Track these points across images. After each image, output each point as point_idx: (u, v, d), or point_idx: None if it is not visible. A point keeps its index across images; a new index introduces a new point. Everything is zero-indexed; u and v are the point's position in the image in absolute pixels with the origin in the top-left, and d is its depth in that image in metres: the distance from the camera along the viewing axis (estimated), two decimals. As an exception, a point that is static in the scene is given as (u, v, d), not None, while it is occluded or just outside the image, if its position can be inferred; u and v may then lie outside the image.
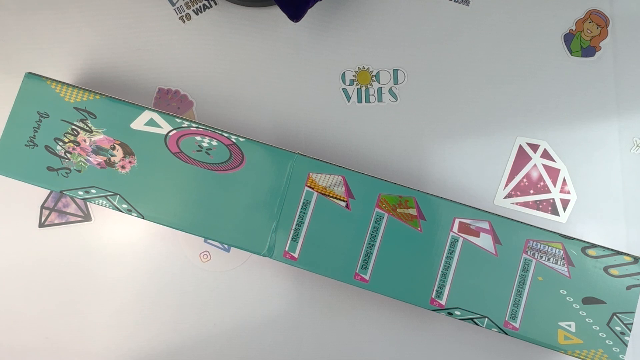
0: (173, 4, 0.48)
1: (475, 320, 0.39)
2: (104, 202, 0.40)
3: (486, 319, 0.39)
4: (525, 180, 0.47)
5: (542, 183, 0.47)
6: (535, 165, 0.47)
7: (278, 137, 0.47)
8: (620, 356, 0.39)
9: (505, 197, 0.47)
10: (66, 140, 0.41)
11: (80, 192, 0.40)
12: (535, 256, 0.39)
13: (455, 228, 0.40)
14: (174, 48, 0.47)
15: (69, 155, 0.40)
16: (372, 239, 0.40)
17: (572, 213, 0.47)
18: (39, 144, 0.41)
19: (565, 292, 0.39)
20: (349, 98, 0.48)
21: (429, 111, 0.47)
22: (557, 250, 0.39)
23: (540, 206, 0.47)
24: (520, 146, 0.47)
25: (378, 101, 0.48)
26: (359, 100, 0.48)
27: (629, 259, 0.39)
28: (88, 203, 0.47)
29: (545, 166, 0.47)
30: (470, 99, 0.48)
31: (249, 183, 0.40)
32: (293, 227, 0.40)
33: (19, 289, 0.46)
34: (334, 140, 0.47)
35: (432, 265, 0.39)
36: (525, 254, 0.39)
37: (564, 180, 0.47)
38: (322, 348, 0.46)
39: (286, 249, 0.40)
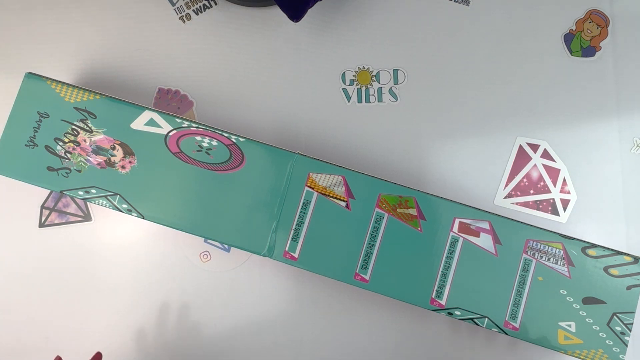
0: (173, 4, 0.48)
1: (475, 320, 0.39)
2: (104, 202, 0.40)
3: (486, 319, 0.39)
4: (525, 180, 0.47)
5: (542, 183, 0.47)
6: (535, 165, 0.47)
7: (278, 137, 0.47)
8: (620, 356, 0.39)
9: (505, 197, 0.47)
10: (66, 140, 0.41)
11: (81, 192, 0.40)
12: (536, 256, 0.39)
13: (456, 228, 0.40)
14: (174, 48, 0.47)
15: (69, 155, 0.40)
16: (372, 239, 0.40)
17: (572, 213, 0.47)
18: (39, 144, 0.41)
19: (566, 292, 0.39)
20: (349, 98, 0.48)
21: (429, 111, 0.47)
22: (557, 250, 0.39)
23: (541, 206, 0.47)
24: (520, 146, 0.47)
25: (378, 101, 0.48)
26: (359, 100, 0.48)
27: (629, 259, 0.39)
28: (88, 203, 0.47)
29: (545, 166, 0.47)
30: (470, 99, 0.48)
31: (249, 183, 0.40)
32: (293, 227, 0.40)
33: (19, 289, 0.46)
34: (334, 140, 0.47)
35: (432, 265, 0.39)
36: (526, 254, 0.39)
37: (564, 180, 0.47)
38: (322, 348, 0.46)
39: (286, 249, 0.40)
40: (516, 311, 0.39)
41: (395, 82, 0.48)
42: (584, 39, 0.48)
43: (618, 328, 0.39)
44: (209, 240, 0.47)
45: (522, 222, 0.40)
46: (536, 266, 0.39)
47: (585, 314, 0.39)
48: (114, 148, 0.40)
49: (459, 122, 0.47)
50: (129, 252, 0.47)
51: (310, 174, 0.40)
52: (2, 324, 0.46)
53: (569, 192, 0.47)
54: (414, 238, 0.40)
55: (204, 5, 0.48)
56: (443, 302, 0.39)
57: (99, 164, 0.40)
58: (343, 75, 0.48)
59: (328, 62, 0.48)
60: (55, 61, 0.47)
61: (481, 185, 0.47)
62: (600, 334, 0.39)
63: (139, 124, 0.41)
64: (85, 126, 0.41)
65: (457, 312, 0.39)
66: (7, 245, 0.46)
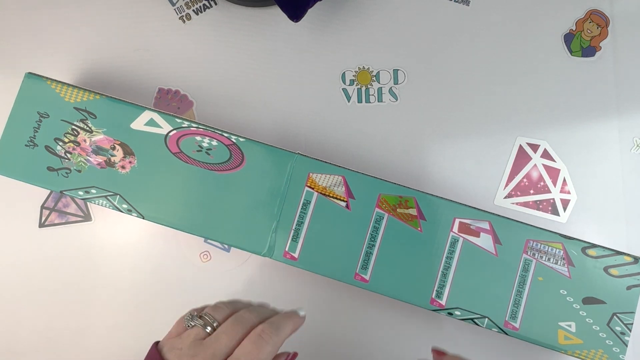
0: (173, 4, 0.48)
1: (475, 320, 0.39)
2: (104, 202, 0.40)
3: (486, 319, 0.39)
4: (525, 180, 0.47)
5: (542, 183, 0.47)
6: (535, 165, 0.47)
7: (278, 137, 0.47)
8: (620, 356, 0.39)
9: (505, 197, 0.47)
10: (66, 140, 0.41)
11: (80, 192, 0.40)
12: (536, 256, 0.39)
13: (456, 228, 0.40)
14: (174, 48, 0.47)
15: (69, 155, 0.40)
16: (372, 239, 0.40)
17: (572, 213, 0.47)
18: (39, 144, 0.41)
19: (566, 292, 0.39)
20: (349, 98, 0.48)
21: (429, 111, 0.47)
22: (557, 250, 0.39)
23: (541, 206, 0.47)
24: (521, 146, 0.47)
25: (378, 101, 0.48)
26: (359, 100, 0.48)
27: (629, 259, 0.39)
28: (88, 203, 0.47)
29: (545, 166, 0.47)
30: (470, 99, 0.48)
31: (249, 183, 0.40)
32: (293, 227, 0.40)
33: (19, 289, 0.46)
34: (334, 140, 0.47)
35: (432, 265, 0.39)
36: (526, 254, 0.39)
37: (564, 180, 0.47)
38: (322, 348, 0.46)
39: (286, 249, 0.40)
40: (516, 311, 0.39)
41: (395, 82, 0.48)
42: (584, 39, 0.48)
43: (618, 328, 0.39)
44: (209, 240, 0.47)
45: (522, 222, 0.40)
46: (536, 266, 0.39)
47: (585, 314, 0.39)
48: (114, 148, 0.40)
49: (459, 122, 0.47)
50: (128, 252, 0.47)
51: (310, 174, 0.40)
52: (2, 324, 0.46)
53: (569, 192, 0.47)
54: (414, 238, 0.40)
55: (204, 5, 0.48)
56: (443, 302, 0.39)
57: (99, 164, 0.40)
58: (343, 75, 0.48)
59: (328, 62, 0.48)
60: (55, 61, 0.47)
61: (481, 185, 0.47)
62: (600, 334, 0.39)
63: (139, 124, 0.41)
64: (85, 126, 0.41)
65: (457, 312, 0.39)
66: (7, 245, 0.46)
